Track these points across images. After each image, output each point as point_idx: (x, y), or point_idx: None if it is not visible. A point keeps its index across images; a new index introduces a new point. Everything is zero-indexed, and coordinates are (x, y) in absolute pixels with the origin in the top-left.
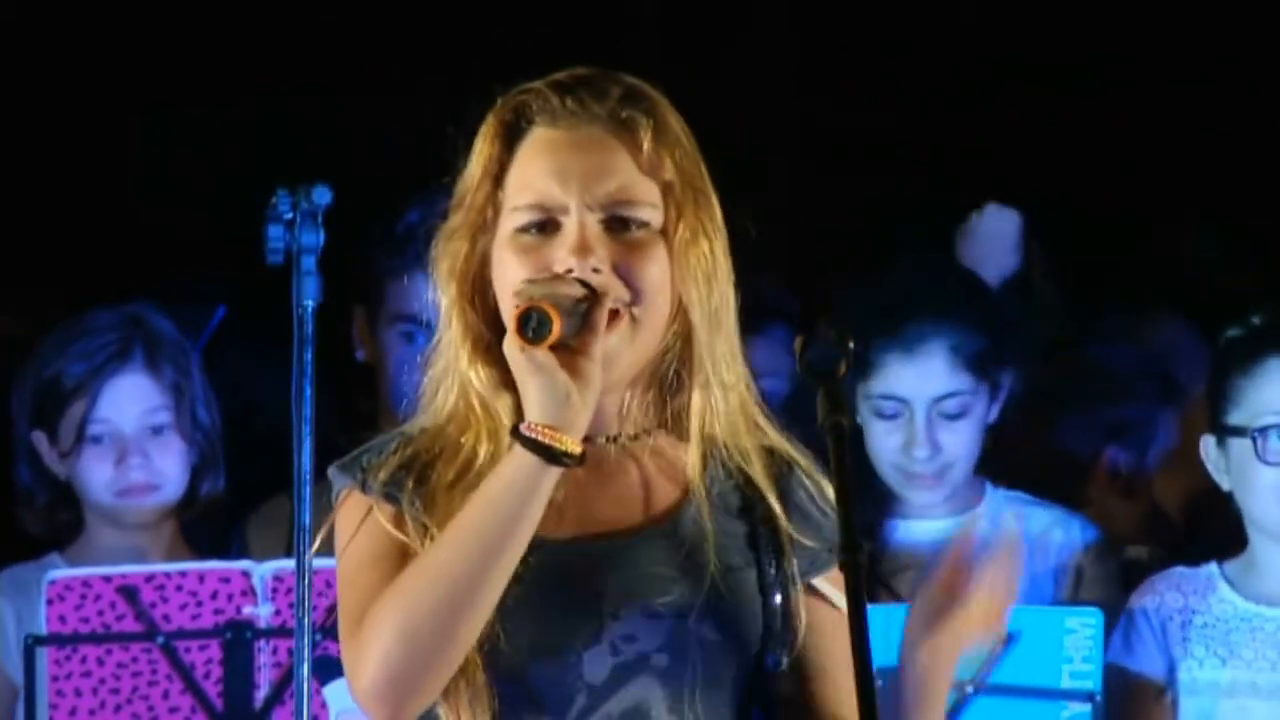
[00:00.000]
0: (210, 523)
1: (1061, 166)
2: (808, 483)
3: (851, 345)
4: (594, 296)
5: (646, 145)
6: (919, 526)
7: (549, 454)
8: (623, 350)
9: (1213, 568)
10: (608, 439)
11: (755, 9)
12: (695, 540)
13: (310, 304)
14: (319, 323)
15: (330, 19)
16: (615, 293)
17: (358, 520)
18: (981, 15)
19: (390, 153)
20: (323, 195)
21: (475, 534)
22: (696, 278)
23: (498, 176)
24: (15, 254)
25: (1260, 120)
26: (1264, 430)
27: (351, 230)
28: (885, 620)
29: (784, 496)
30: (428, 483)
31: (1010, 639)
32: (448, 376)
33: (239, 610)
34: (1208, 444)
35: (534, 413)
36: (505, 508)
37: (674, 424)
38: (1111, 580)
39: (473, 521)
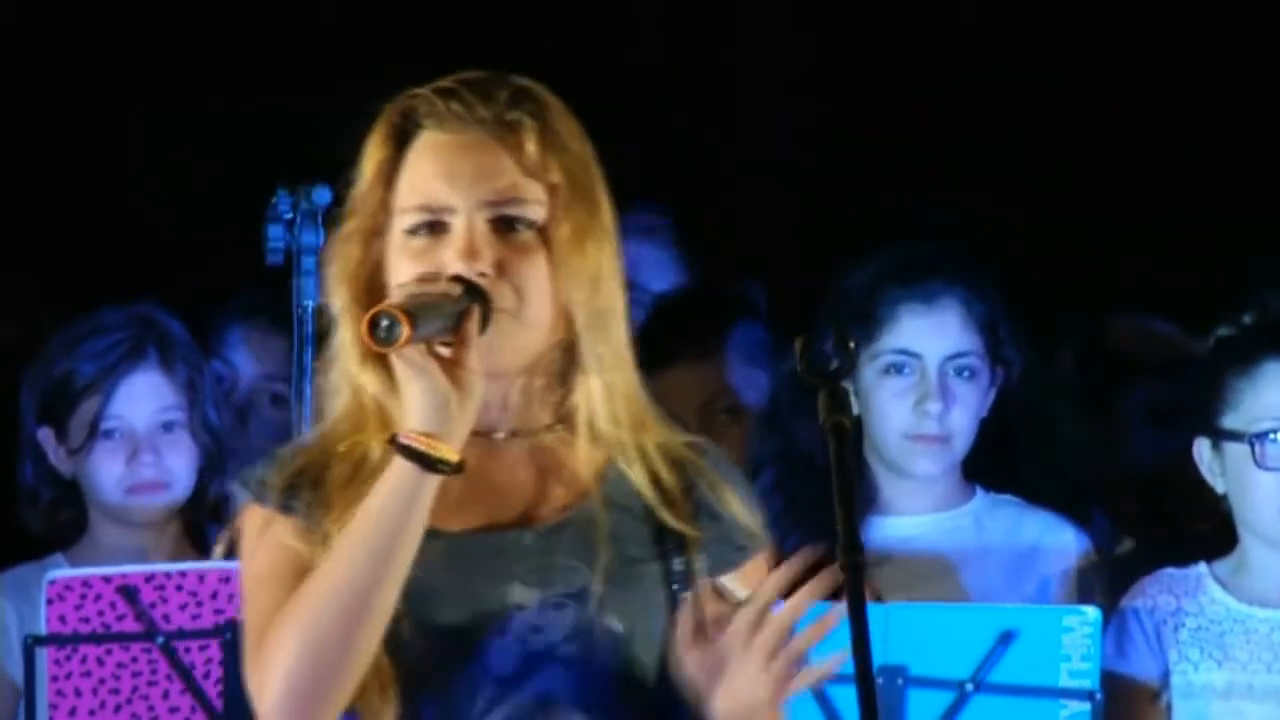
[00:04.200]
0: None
1: (1062, 167)
2: (708, 484)
3: (852, 345)
4: (469, 303)
5: (531, 147)
6: (899, 523)
7: (426, 462)
8: (504, 345)
9: (1202, 568)
10: (508, 434)
11: (756, 9)
12: (593, 534)
13: (310, 304)
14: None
15: (330, 19)
16: (501, 297)
17: (255, 535)
18: (982, 15)
19: None
20: (323, 195)
21: (363, 544)
22: (580, 280)
23: (389, 179)
24: (14, 254)
25: (1262, 119)
26: (1261, 436)
27: None
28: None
29: (686, 496)
30: (323, 485)
31: (1008, 637)
32: (342, 380)
33: (239, 610)
34: (1202, 446)
35: (412, 420)
36: (389, 516)
37: (568, 421)
38: (1104, 587)
39: (360, 532)
